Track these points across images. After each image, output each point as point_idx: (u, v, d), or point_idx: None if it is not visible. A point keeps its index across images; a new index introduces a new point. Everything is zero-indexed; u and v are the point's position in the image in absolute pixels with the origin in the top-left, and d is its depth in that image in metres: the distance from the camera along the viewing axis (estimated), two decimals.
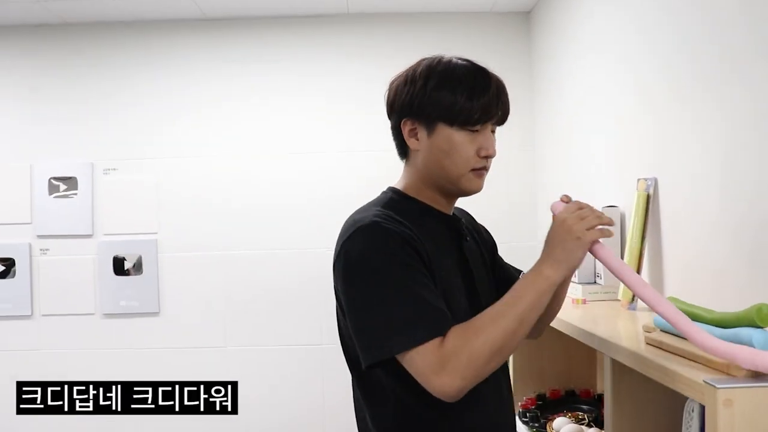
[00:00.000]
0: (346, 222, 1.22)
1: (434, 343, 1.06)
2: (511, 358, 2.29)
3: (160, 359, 3.12)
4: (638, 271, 1.79)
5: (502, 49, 3.14)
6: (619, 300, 1.88)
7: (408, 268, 1.11)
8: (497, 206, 3.11)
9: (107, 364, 3.13)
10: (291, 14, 3.08)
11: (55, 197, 3.15)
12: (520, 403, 2.15)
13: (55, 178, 3.16)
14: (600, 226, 1.12)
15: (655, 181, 1.80)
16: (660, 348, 1.22)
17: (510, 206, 3.13)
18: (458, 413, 1.18)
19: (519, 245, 3.11)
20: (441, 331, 1.07)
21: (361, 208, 1.25)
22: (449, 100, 1.19)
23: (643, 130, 1.91)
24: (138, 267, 3.13)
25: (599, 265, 2.01)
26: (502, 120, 1.26)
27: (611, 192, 2.14)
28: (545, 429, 1.97)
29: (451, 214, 1.34)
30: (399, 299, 1.08)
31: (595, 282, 2.04)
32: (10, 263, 3.15)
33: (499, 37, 3.14)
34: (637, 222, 1.82)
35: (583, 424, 1.94)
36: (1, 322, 3.17)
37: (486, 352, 1.05)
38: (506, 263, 1.49)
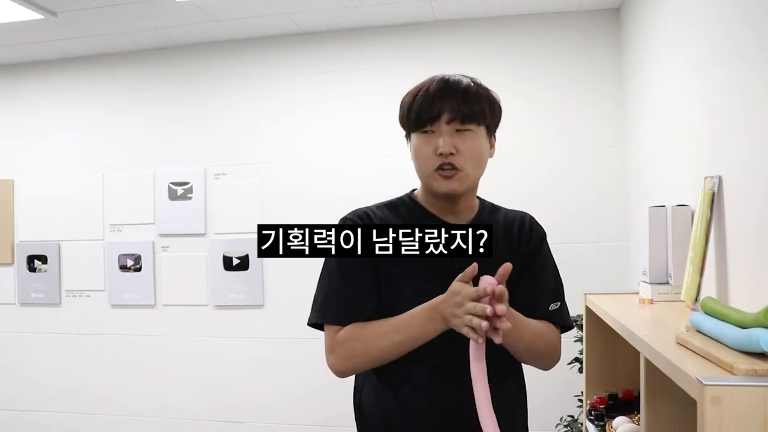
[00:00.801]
0: None
1: (335, 328, 1.30)
2: (584, 357, 2.30)
3: (264, 347, 3.38)
4: (701, 272, 1.75)
5: (591, 48, 3.10)
6: (683, 301, 1.84)
7: (347, 261, 1.31)
8: (586, 203, 3.09)
9: (218, 350, 3.44)
10: (380, 24, 3.23)
11: (174, 200, 3.51)
12: (589, 402, 2.15)
13: (174, 183, 3.52)
14: (467, 329, 1.13)
15: (720, 179, 1.76)
16: (686, 347, 1.23)
17: (599, 204, 3.09)
18: (396, 388, 1.33)
19: (609, 244, 3.07)
20: (343, 321, 1.30)
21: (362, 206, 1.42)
22: (404, 112, 1.33)
23: (713, 128, 1.86)
24: (245, 263, 3.41)
25: (671, 264, 1.98)
26: (459, 117, 1.28)
27: (683, 191, 2.09)
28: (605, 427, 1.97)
29: (457, 220, 1.37)
30: (329, 284, 1.34)
31: (667, 282, 2.01)
32: (137, 259, 3.54)
33: (588, 36, 3.10)
34: (701, 221, 1.78)
35: None
36: (131, 310, 3.57)
37: (362, 356, 1.27)
38: (539, 287, 1.40)
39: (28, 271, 3.70)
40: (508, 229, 1.41)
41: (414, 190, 1.45)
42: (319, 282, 1.38)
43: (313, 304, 1.37)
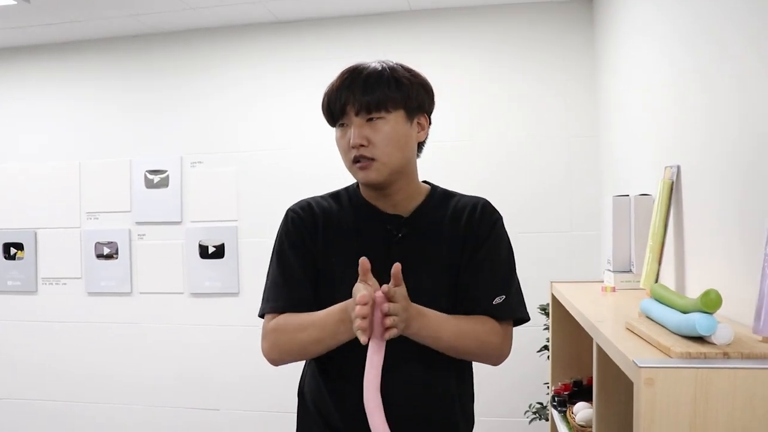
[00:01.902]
0: None
1: (270, 316, 1.34)
2: (550, 345, 2.33)
3: (240, 334, 3.40)
4: (660, 260, 1.79)
5: (564, 38, 3.12)
6: (644, 289, 1.88)
7: (285, 251, 1.36)
8: (558, 192, 3.12)
9: (194, 338, 3.45)
10: (355, 13, 3.24)
11: (150, 188, 3.51)
12: (553, 388, 2.19)
13: (150, 171, 3.51)
14: (360, 334, 1.11)
15: (678, 168, 1.79)
16: (633, 332, 1.26)
17: (572, 194, 3.12)
18: (329, 377, 1.37)
19: (582, 234, 3.11)
20: (275, 309, 1.33)
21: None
22: (322, 103, 1.35)
23: (676, 118, 1.89)
24: (220, 251, 3.42)
25: (633, 252, 2.01)
26: (368, 107, 1.27)
27: (646, 180, 2.12)
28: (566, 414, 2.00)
29: (396, 211, 1.36)
30: (269, 273, 1.39)
31: (630, 270, 2.04)
32: (114, 246, 3.54)
33: (562, 26, 3.13)
34: (660, 210, 1.81)
35: None
36: (108, 298, 3.57)
37: (285, 348, 1.31)
38: (482, 278, 1.33)
39: (4, 259, 3.69)
40: (456, 216, 1.36)
41: (356, 182, 1.44)
42: (267, 274, 1.42)
43: (261, 297, 1.41)
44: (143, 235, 3.52)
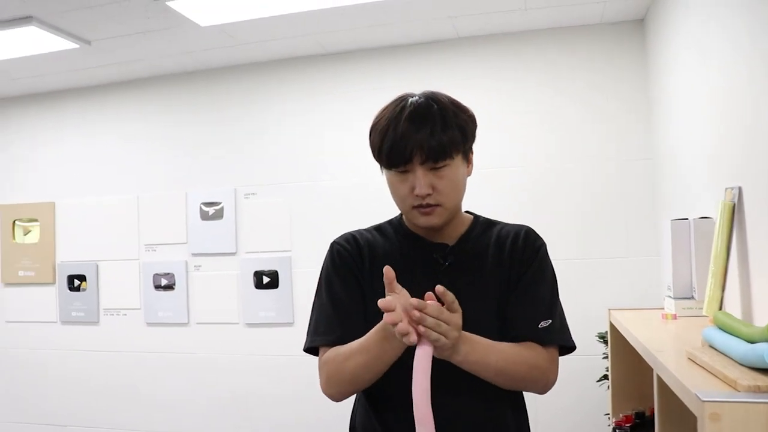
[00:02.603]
0: None
1: (324, 349, 1.31)
2: (609, 374, 2.25)
3: (294, 365, 3.41)
4: (723, 286, 1.71)
5: (615, 60, 3.07)
6: (707, 316, 1.80)
7: (333, 284, 1.35)
8: (615, 217, 3.05)
9: (250, 369, 3.48)
10: (404, 43, 3.27)
11: (205, 220, 3.58)
12: (614, 420, 2.11)
13: (205, 204, 3.59)
14: (401, 335, 1.07)
15: (740, 189, 1.72)
16: (695, 363, 1.20)
17: (628, 218, 3.03)
18: (378, 409, 1.34)
19: (638, 259, 3.01)
20: (328, 342, 1.30)
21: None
22: (372, 146, 1.31)
23: (735, 137, 1.82)
24: (275, 281, 3.46)
25: (695, 278, 1.94)
26: (433, 156, 1.22)
27: (705, 203, 2.04)
28: None
29: (443, 239, 1.35)
30: (318, 308, 1.36)
31: (691, 297, 1.96)
32: (171, 277, 3.62)
33: (613, 48, 3.07)
34: (721, 233, 1.74)
35: None
36: (165, 328, 3.65)
37: (337, 379, 1.28)
38: (528, 303, 1.32)
39: (68, 290, 3.82)
40: (500, 244, 1.35)
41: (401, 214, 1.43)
42: (312, 308, 1.40)
43: (307, 331, 1.38)
44: (199, 266, 3.59)
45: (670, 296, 2.00)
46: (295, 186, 3.48)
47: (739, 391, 0.96)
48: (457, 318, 1.12)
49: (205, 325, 3.57)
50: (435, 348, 1.10)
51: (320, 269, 1.41)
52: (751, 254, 1.68)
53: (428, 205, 1.26)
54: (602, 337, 2.61)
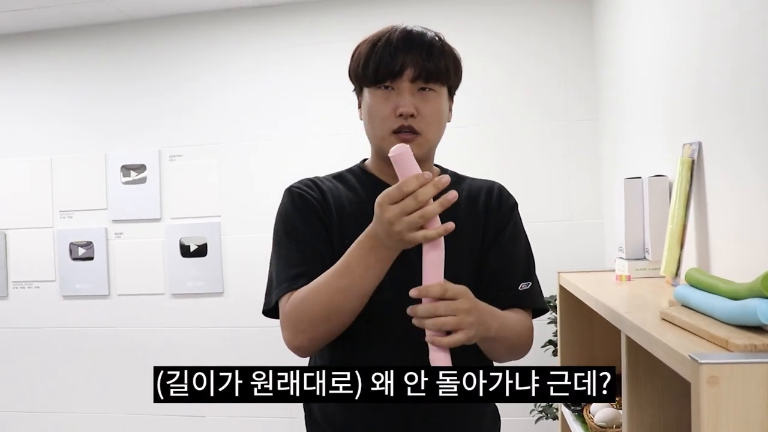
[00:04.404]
0: None
1: (284, 299, 1.14)
2: (558, 340, 2.19)
3: (225, 336, 3.23)
4: (682, 245, 1.65)
5: (562, 19, 2.99)
6: (663, 276, 1.74)
7: (297, 228, 1.18)
8: (559, 181, 2.99)
9: (177, 341, 3.27)
10: None
11: (127, 184, 3.32)
12: None
13: (127, 166, 3.33)
14: (423, 232, 0.96)
15: (699, 145, 1.65)
16: (671, 323, 1.12)
17: (571, 181, 2.99)
18: (358, 349, 1.19)
19: (581, 222, 2.98)
20: (293, 287, 1.13)
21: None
22: (359, 62, 1.18)
23: (692, 93, 1.75)
24: (203, 250, 3.25)
25: (648, 238, 1.88)
26: (424, 75, 1.15)
27: (659, 161, 1.99)
28: (583, 413, 1.86)
29: None
30: (278, 256, 1.20)
31: (644, 258, 1.90)
32: (90, 247, 3.35)
33: (559, 6, 2.99)
34: (680, 191, 1.68)
35: None
36: (84, 301, 3.38)
37: (308, 319, 1.08)
38: (507, 264, 1.28)
39: None
40: (473, 198, 1.27)
41: (364, 160, 1.32)
42: (270, 264, 1.23)
43: (266, 290, 1.22)
44: (121, 233, 3.33)
45: (622, 257, 1.94)
46: (224, 147, 3.25)
47: (732, 351, 0.87)
48: (463, 302, 1.00)
49: (127, 297, 3.33)
50: (462, 338, 0.99)
51: (275, 219, 1.25)
52: (710, 211, 1.63)
53: (410, 130, 1.15)
54: (548, 302, 2.55)
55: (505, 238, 1.26)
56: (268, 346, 3.17)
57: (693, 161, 1.66)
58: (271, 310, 1.19)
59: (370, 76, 1.17)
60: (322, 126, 3.13)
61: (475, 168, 2.84)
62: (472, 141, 3.04)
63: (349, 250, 1.06)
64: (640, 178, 1.92)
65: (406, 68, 1.14)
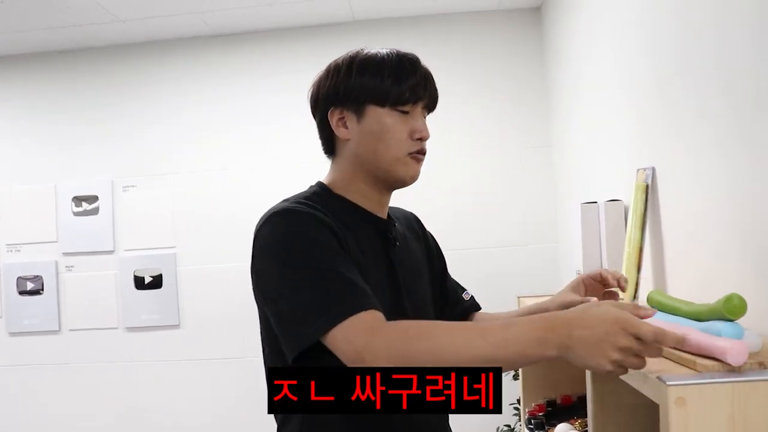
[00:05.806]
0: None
1: (360, 315, 0.95)
2: None
3: (183, 369, 3.14)
4: (639, 268, 1.69)
5: (512, 47, 3.07)
6: (622, 299, 1.77)
7: (326, 248, 1.03)
8: (515, 207, 3.04)
9: (132, 376, 3.17)
10: (298, 25, 3.09)
11: (78, 215, 3.23)
12: (528, 410, 2.06)
13: (78, 197, 3.24)
14: (614, 367, 0.87)
15: (653, 170, 1.70)
16: None
17: (528, 207, 3.04)
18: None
19: (538, 246, 3.03)
20: (366, 306, 0.96)
21: (280, 201, 1.15)
22: (376, 82, 1.14)
23: (645, 121, 1.82)
24: (158, 281, 3.17)
25: (605, 261, 1.92)
26: (431, 105, 1.23)
27: (614, 186, 2.04)
28: None
29: (385, 215, 1.24)
30: (318, 280, 0.99)
31: None
32: (39, 281, 3.23)
33: (510, 35, 3.07)
34: (636, 214, 1.72)
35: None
36: (32, 338, 3.25)
37: (410, 350, 0.91)
38: (452, 279, 1.42)
39: None
40: (410, 226, 1.34)
41: (320, 183, 1.22)
42: (290, 297, 1.00)
43: (293, 324, 1.00)
44: (71, 266, 3.23)
45: None
46: (178, 177, 3.20)
47: (699, 372, 0.89)
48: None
49: (79, 332, 3.22)
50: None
51: (280, 241, 1.05)
52: (665, 233, 1.67)
53: (424, 153, 1.20)
54: None
55: (443, 261, 1.39)
56: (226, 378, 3.10)
57: (647, 185, 1.72)
58: (306, 350, 0.98)
59: (401, 99, 1.14)
60: (277, 154, 3.11)
61: (431, 195, 2.88)
62: (426, 168, 3.05)
63: (511, 322, 0.92)
64: (596, 202, 1.97)
65: (425, 97, 1.20)
